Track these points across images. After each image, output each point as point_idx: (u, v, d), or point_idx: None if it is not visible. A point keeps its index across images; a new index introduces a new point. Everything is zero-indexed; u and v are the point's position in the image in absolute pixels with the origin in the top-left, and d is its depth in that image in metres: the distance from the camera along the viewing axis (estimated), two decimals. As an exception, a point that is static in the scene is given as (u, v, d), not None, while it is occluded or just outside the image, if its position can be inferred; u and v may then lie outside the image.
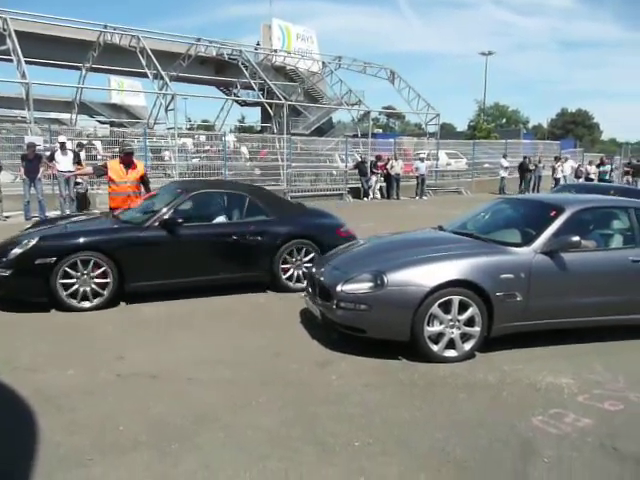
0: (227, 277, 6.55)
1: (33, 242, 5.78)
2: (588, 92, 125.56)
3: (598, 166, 24.33)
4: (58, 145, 13.41)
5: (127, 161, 7.82)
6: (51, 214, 13.26)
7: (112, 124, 34.51)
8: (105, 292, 5.85)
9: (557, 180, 24.44)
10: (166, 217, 6.24)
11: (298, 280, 6.75)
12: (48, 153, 13.75)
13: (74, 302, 5.74)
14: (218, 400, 3.78)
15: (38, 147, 13.60)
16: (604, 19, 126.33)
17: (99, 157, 16.97)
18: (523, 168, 23.66)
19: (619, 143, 68.14)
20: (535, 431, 3.41)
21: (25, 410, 3.53)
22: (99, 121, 42.83)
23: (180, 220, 6.23)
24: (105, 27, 23.83)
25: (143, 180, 7.92)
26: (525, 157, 24.44)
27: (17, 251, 5.71)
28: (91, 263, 5.76)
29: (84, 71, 26.34)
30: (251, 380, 4.14)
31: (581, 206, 5.20)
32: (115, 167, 7.80)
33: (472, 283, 4.50)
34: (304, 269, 6.70)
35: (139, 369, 4.27)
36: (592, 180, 23.76)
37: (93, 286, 5.80)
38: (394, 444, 3.24)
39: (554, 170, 24.11)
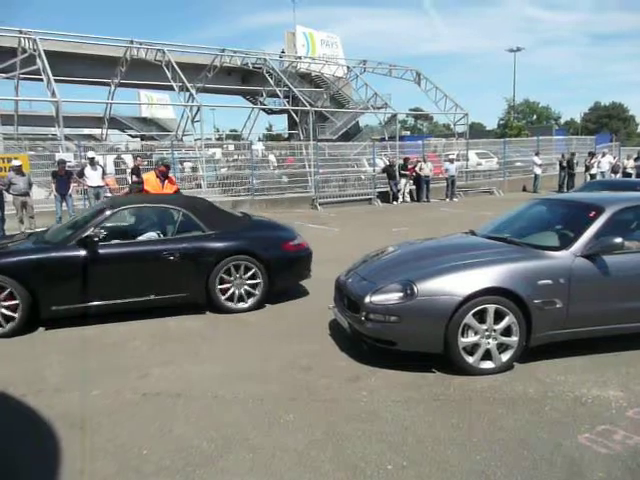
0: (153, 299, 5.95)
1: None
2: (621, 84, 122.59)
3: (636, 160, 23.47)
4: (88, 161, 13.61)
5: (164, 174, 7.79)
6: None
7: (142, 138, 35.14)
8: (16, 316, 5.45)
9: (593, 176, 23.73)
10: (84, 235, 5.80)
11: (241, 299, 6.20)
12: (78, 169, 13.98)
13: None
14: (245, 418, 3.65)
15: (69, 163, 13.85)
16: (634, 9, 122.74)
17: (128, 171, 17.19)
18: (561, 165, 23.09)
19: (657, 136, 66.19)
20: (582, 450, 3.17)
21: (49, 434, 3.47)
22: (130, 135, 43.68)
23: (98, 238, 5.79)
24: (131, 42, 24.27)
25: (177, 194, 7.99)
26: (563, 154, 23.83)
27: None
28: None
29: (113, 87, 26.88)
30: (279, 396, 4.00)
31: (622, 205, 4.90)
32: (152, 180, 7.79)
33: (508, 290, 4.27)
34: (247, 287, 6.21)
35: (164, 387, 4.18)
36: (630, 175, 22.97)
37: (3, 310, 5.44)
38: (430, 467, 3.05)
39: (587, 167, 23.38)
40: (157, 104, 45.01)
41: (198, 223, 6.32)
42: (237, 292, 6.22)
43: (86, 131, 40.06)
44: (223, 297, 6.16)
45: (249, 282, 6.23)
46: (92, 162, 13.45)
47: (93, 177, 13.28)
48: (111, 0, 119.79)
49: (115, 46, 25.93)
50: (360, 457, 3.16)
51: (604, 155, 23.72)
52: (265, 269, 6.22)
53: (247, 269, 6.22)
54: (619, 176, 23.23)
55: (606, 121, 74.52)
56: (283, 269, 6.44)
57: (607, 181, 14.66)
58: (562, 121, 73.76)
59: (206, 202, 7.37)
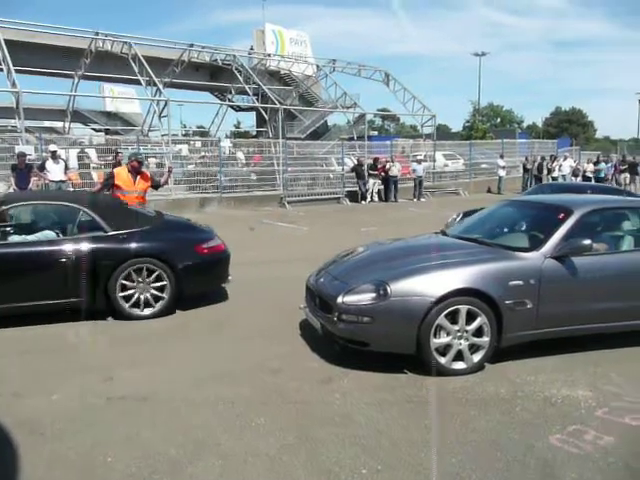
0: (42, 304, 5.49)
1: None
2: (581, 90, 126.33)
3: (595, 164, 24.17)
4: (49, 154, 13.18)
5: (136, 170, 7.50)
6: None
7: (107, 132, 34.34)
8: None
9: (555, 179, 24.31)
10: None
11: (148, 305, 5.80)
12: (39, 162, 13.52)
13: None
14: (215, 422, 3.55)
15: (29, 156, 13.37)
16: (595, 18, 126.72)
17: (92, 166, 16.77)
18: (525, 168, 23.59)
19: (613, 141, 68.34)
20: (554, 451, 3.19)
21: (6, 441, 3.28)
22: (93, 129, 42.64)
23: None
24: (96, 34, 23.63)
25: (154, 185, 7.91)
26: (526, 157, 24.35)
27: None
28: None
29: (76, 79, 26.15)
30: (250, 399, 3.90)
31: (590, 207, 4.98)
32: (123, 175, 7.45)
33: (480, 291, 4.27)
34: (154, 291, 5.80)
35: (129, 391, 4.03)
36: (590, 179, 23.62)
37: None
38: (404, 470, 3.01)
39: (549, 170, 23.94)
40: (123, 98, 44.01)
41: (100, 222, 5.84)
42: (142, 297, 5.77)
43: (47, 124, 38.91)
44: (127, 303, 5.72)
45: (155, 285, 5.82)
46: (54, 156, 13.02)
47: (55, 171, 12.85)
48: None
49: (80, 37, 25.19)
50: (334, 461, 3.09)
51: (565, 159, 24.20)
52: (172, 272, 5.82)
53: (151, 272, 5.79)
54: (579, 179, 23.90)
55: (566, 126, 76.46)
56: (194, 272, 6.03)
57: (557, 184, 14.99)
58: (524, 125, 75.34)
59: (113, 200, 7.05)
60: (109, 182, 7.58)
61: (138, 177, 7.55)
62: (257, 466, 3.06)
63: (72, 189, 13.61)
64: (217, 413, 3.69)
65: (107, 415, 3.65)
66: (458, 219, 8.69)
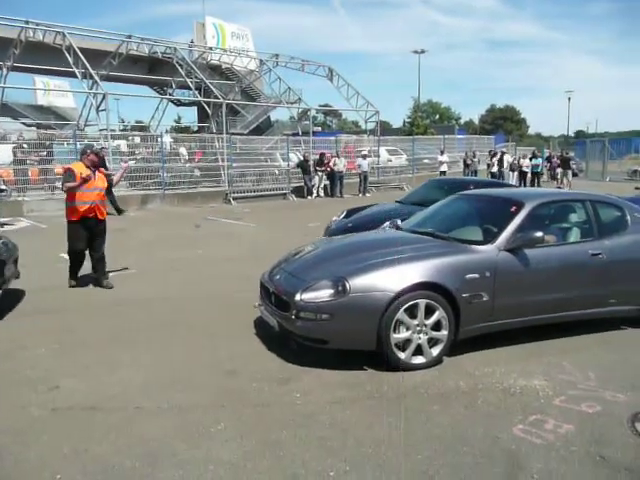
0: None
1: None
2: (514, 89, 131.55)
3: (531, 159, 25.04)
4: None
5: (95, 164, 6.88)
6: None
7: (39, 126, 32.67)
8: None
9: (493, 174, 25.06)
10: None
11: None
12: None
13: None
14: (170, 431, 3.36)
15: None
16: (526, 19, 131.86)
17: (29, 162, 15.90)
18: (465, 163, 24.14)
19: (544, 137, 71.45)
20: (519, 442, 3.20)
21: (-61, 463, 2.99)
22: (24, 123, 40.46)
23: None
24: (27, 23, 22.35)
25: (108, 182, 7.47)
26: (466, 152, 24.92)
27: None
28: None
29: (5, 70, 24.68)
30: (206, 404, 3.73)
31: (540, 200, 5.10)
32: (83, 172, 6.70)
33: (438, 285, 4.27)
34: None
35: (77, 400, 3.77)
36: (526, 173, 24.49)
37: None
38: (373, 470, 2.93)
39: (488, 165, 24.69)
40: (57, 90, 41.96)
41: None
42: None
43: (-28, 118, 36.62)
44: None
45: None
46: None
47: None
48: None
49: (8, 26, 23.77)
50: (300, 465, 2.99)
51: (503, 154, 24.86)
52: None
53: None
54: (516, 174, 24.73)
55: (501, 123, 79.35)
56: None
57: (445, 179, 15.18)
58: (462, 121, 77.50)
59: None
60: (70, 180, 6.70)
61: (97, 173, 6.88)
62: (220, 475, 2.90)
63: (4, 186, 12.81)
64: (172, 421, 3.50)
65: (54, 428, 3.39)
66: (342, 216, 8.99)
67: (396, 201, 9.50)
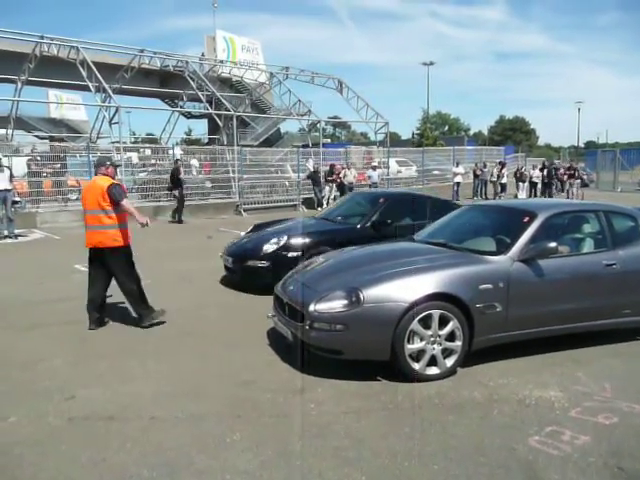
0: None
1: None
2: (523, 100, 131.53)
3: (541, 170, 24.91)
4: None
5: (113, 178, 6.04)
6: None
7: (52, 139, 33.08)
8: None
9: (503, 186, 24.99)
10: None
11: None
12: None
13: None
14: (187, 441, 3.38)
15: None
16: (534, 31, 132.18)
17: (42, 174, 16.10)
18: (475, 174, 23.97)
19: (554, 148, 71.27)
20: (535, 453, 3.19)
21: (-40, 471, 3.03)
22: (37, 136, 40.99)
23: None
24: (41, 38, 22.70)
25: None
26: (476, 163, 24.79)
27: None
28: None
29: (19, 84, 25.02)
30: (222, 414, 3.75)
31: (553, 211, 5.10)
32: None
33: (452, 296, 4.28)
34: None
35: (94, 410, 3.80)
36: (536, 184, 24.36)
37: None
38: (389, 481, 2.93)
39: (498, 176, 24.59)
40: (71, 103, 42.56)
41: None
42: None
43: (-14, 131, 37.15)
44: None
45: None
46: (-1, 163, 12.36)
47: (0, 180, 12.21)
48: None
49: (24, 41, 24.17)
50: (316, 475, 2.99)
51: (504, 166, 24.48)
52: None
53: None
54: (526, 185, 24.61)
55: (510, 134, 79.32)
56: None
57: (366, 192, 13.99)
58: (471, 132, 77.60)
59: None
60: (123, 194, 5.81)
61: None
62: (237, 484, 2.92)
63: (18, 198, 12.96)
64: (188, 431, 3.52)
65: (71, 438, 3.42)
66: (249, 230, 8.72)
67: (315, 217, 8.94)
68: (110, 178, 5.80)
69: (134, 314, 5.86)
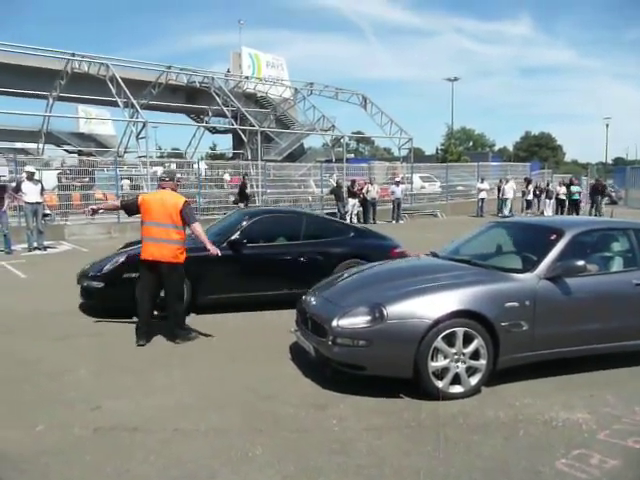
0: None
1: None
2: (549, 115, 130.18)
3: (568, 186, 24.56)
4: (25, 175, 12.85)
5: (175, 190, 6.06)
6: (18, 248, 12.67)
7: (80, 153, 33.86)
8: None
9: (529, 202, 24.72)
10: None
11: None
12: (14, 184, 13.17)
13: None
14: (209, 454, 3.38)
15: (3, 178, 13.04)
16: (560, 47, 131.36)
17: (72, 187, 16.50)
18: (499, 189, 23.60)
19: (581, 164, 70.31)
20: (562, 477, 3.12)
21: (-13, 479, 3.08)
22: (66, 150, 42.00)
23: None
24: (73, 55, 23.40)
25: None
26: (501, 179, 24.33)
27: None
28: None
29: (51, 100, 25.78)
30: (243, 428, 3.75)
31: (581, 229, 5.02)
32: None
33: (476, 313, 4.23)
34: None
35: (118, 421, 3.83)
36: (563, 201, 24.01)
37: None
38: (412, 500, 2.89)
39: (523, 193, 24.31)
40: (100, 119, 43.57)
41: None
42: None
43: (18, 145, 38.25)
44: None
45: None
46: (31, 177, 12.69)
47: (31, 193, 12.51)
48: (52, 13, 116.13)
49: (56, 58, 24.91)
50: (338, 493, 2.97)
51: (507, 182, 23.40)
52: None
53: None
54: (552, 201, 24.28)
55: (536, 150, 78.48)
56: None
57: (246, 210, 12.90)
58: (495, 148, 77.06)
59: None
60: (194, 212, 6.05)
61: None
62: (258, 500, 2.91)
63: (48, 211, 13.27)
64: (210, 444, 3.53)
65: (96, 448, 3.45)
66: (120, 248, 7.84)
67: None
68: (179, 195, 5.86)
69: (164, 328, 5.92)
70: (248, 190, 17.28)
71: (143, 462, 3.27)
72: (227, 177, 20.55)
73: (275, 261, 7.13)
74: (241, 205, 16.72)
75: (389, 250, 7.48)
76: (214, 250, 5.80)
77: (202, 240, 5.81)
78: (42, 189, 12.89)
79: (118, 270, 6.53)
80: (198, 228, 5.80)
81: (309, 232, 7.52)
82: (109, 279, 6.53)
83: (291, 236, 7.48)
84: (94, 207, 6.08)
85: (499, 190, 24.17)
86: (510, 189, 23.01)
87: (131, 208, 5.93)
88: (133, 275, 6.24)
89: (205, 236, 5.88)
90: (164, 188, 5.87)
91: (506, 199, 22.95)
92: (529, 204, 24.71)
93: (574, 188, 24.17)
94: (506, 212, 22.65)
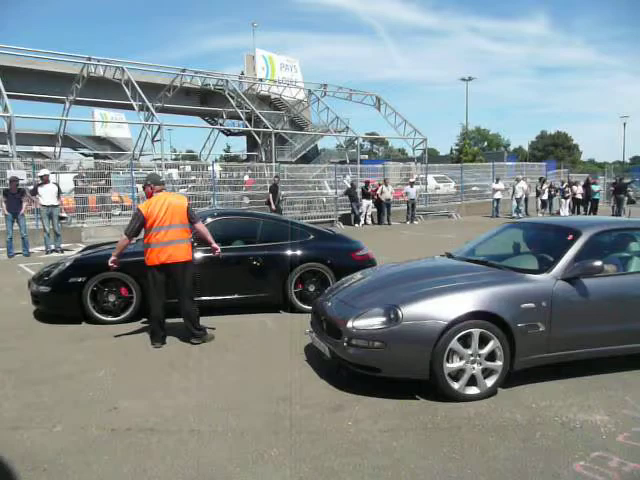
0: None
1: None
2: (565, 115, 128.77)
3: (584, 186, 24.25)
4: (40, 178, 13.01)
5: None
6: (35, 250, 12.85)
7: (96, 156, 34.28)
8: None
9: (544, 202, 24.44)
10: None
11: None
12: (31, 187, 13.35)
13: None
14: (225, 455, 3.40)
15: (21, 181, 13.22)
16: (576, 45, 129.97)
17: (88, 190, 16.70)
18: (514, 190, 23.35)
19: (598, 163, 69.46)
20: (581, 479, 3.09)
21: (6, 479, 3.12)
22: (83, 153, 42.54)
23: None
24: (89, 59, 23.70)
25: None
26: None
27: None
28: None
29: (68, 104, 26.13)
30: (260, 429, 3.77)
31: (598, 229, 4.96)
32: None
33: (492, 314, 4.20)
34: None
35: (135, 422, 3.87)
36: (580, 200, 23.74)
37: None
38: (428, 503, 2.88)
39: (538, 192, 24.05)
40: (116, 122, 44.07)
41: None
42: None
43: (36, 148, 38.83)
44: None
45: None
46: (46, 180, 12.86)
47: (47, 196, 12.69)
48: (70, 20, 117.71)
49: (72, 62, 25.24)
50: (354, 494, 2.97)
51: (518, 181, 22.84)
52: None
53: None
54: (569, 201, 24.01)
55: (552, 149, 77.58)
56: None
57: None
58: (511, 148, 76.39)
59: None
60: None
61: None
62: (274, 500, 2.92)
63: (64, 214, 13.43)
64: (227, 445, 3.55)
65: (113, 448, 3.49)
66: (80, 251, 7.93)
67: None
68: (180, 195, 5.94)
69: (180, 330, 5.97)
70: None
71: (160, 462, 3.30)
72: (247, 178, 20.62)
73: (227, 265, 6.74)
74: (273, 207, 16.96)
75: (350, 253, 7.38)
76: (218, 250, 5.92)
77: (208, 239, 5.91)
78: (59, 192, 13.06)
79: (64, 275, 6.48)
80: (202, 227, 5.94)
81: (265, 235, 7.32)
82: (55, 284, 6.46)
83: (246, 239, 7.31)
84: (111, 263, 5.73)
85: (514, 190, 23.94)
86: (520, 189, 22.59)
87: (139, 229, 5.76)
88: (79, 280, 6.35)
89: (210, 235, 5.94)
90: (159, 192, 5.85)
91: (518, 199, 22.64)
92: (544, 204, 24.45)
93: (595, 187, 23.88)
94: (514, 213, 22.38)
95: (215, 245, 5.92)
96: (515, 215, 21.91)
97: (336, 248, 7.49)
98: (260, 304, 7.01)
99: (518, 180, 22.96)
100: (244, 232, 7.47)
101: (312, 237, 7.50)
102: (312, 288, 7.10)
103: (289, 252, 7.13)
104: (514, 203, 22.64)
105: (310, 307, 6.11)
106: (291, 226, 7.62)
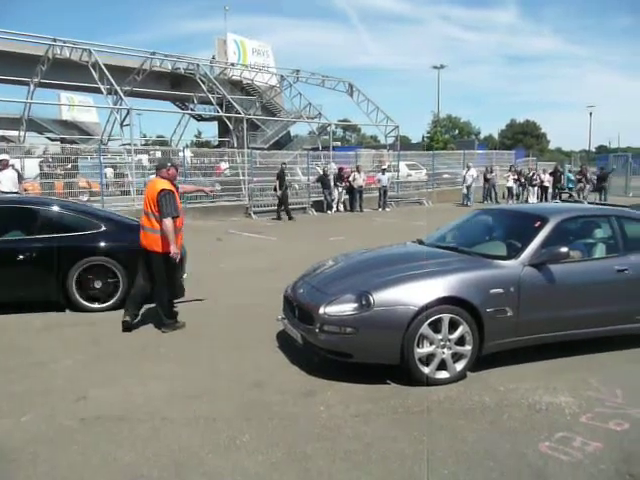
0: None
1: None
2: (535, 103, 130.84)
3: (551, 174, 24.68)
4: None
5: (175, 180, 5.91)
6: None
7: (63, 141, 33.42)
8: None
9: (510, 189, 24.78)
10: None
11: None
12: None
13: None
14: (197, 441, 3.40)
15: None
16: (546, 34, 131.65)
17: (54, 175, 16.29)
18: (485, 177, 23.68)
19: (565, 152, 70.87)
20: (546, 459, 3.18)
21: (-26, 469, 3.06)
22: (49, 138, 41.39)
23: None
24: (54, 40, 22.98)
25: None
26: (487, 167, 24.48)
27: None
28: None
29: (32, 86, 25.34)
30: (232, 416, 3.77)
31: (565, 216, 5.08)
32: (174, 190, 5.75)
33: (462, 300, 4.27)
34: None
35: (105, 410, 3.83)
36: (547, 188, 24.19)
37: None
38: (399, 485, 2.94)
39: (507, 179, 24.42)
40: (83, 106, 42.94)
41: None
42: None
43: (-1, 132, 37.64)
44: None
45: None
46: (6, 165, 12.40)
47: (6, 182, 12.22)
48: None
49: (36, 43, 24.45)
50: (326, 477, 3.00)
51: (469, 169, 22.67)
52: None
53: None
54: (536, 189, 24.44)
55: (521, 137, 78.73)
56: None
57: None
58: (481, 136, 77.28)
59: None
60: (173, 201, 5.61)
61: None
62: (247, 486, 2.93)
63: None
64: (199, 431, 3.54)
65: (83, 437, 3.45)
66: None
67: None
68: (169, 182, 5.66)
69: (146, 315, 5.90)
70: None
71: (131, 450, 3.28)
72: (223, 165, 20.39)
73: None
74: (278, 194, 17.59)
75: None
76: (175, 254, 5.50)
77: (169, 239, 5.47)
78: (19, 178, 12.63)
79: None
80: (167, 224, 5.44)
81: (45, 226, 6.52)
82: None
83: (22, 231, 6.58)
84: (173, 255, 5.53)
85: (485, 178, 24.08)
86: (470, 177, 22.42)
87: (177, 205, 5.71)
88: None
89: (173, 235, 5.48)
90: (157, 177, 5.80)
91: (468, 186, 22.43)
92: (510, 192, 24.80)
93: (569, 175, 24.41)
94: (464, 201, 22.48)
95: (173, 248, 5.48)
96: (465, 203, 22.00)
97: (130, 240, 6.17)
98: (38, 303, 6.41)
99: (469, 168, 22.96)
100: (20, 222, 6.63)
101: (104, 229, 6.65)
102: (99, 285, 6.42)
103: (70, 245, 6.42)
104: (464, 191, 22.80)
105: (100, 306, 6.33)
106: (81, 215, 6.77)
